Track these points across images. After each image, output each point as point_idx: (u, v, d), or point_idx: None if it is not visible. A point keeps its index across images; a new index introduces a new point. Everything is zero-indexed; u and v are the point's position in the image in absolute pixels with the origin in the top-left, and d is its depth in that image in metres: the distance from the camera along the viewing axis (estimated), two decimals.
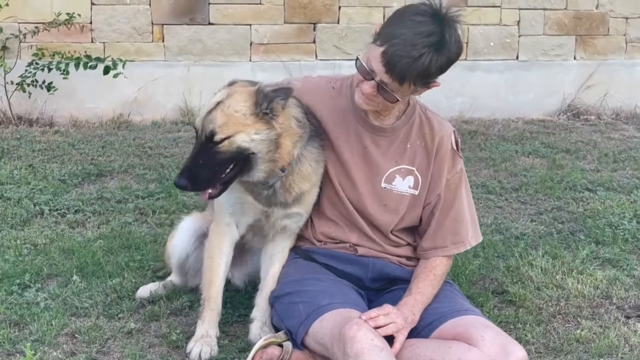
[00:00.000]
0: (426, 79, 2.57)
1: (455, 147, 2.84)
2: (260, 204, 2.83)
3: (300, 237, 2.97)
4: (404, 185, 2.81)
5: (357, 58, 2.61)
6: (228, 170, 2.67)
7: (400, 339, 2.53)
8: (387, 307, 2.58)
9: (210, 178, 2.66)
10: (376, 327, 2.47)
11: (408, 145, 2.80)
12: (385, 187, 2.81)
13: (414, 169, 2.81)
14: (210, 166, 2.64)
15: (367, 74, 2.58)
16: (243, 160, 2.66)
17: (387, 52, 2.50)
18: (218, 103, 2.66)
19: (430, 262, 2.83)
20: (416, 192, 2.83)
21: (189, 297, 3.22)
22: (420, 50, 2.47)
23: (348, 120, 2.81)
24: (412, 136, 2.80)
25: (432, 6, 2.55)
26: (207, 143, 2.64)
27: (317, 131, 2.80)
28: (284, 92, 2.67)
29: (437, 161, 2.81)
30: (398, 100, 2.61)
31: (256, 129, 2.64)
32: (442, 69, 2.57)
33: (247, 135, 2.63)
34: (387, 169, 2.80)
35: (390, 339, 2.52)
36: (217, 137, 2.62)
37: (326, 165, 2.82)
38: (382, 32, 2.56)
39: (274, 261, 2.94)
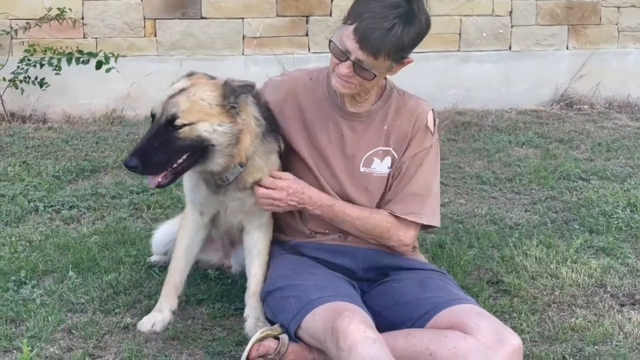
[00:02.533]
0: (400, 52, 2.59)
1: (430, 125, 2.84)
2: (214, 194, 2.86)
3: (290, 231, 2.99)
4: (382, 166, 2.84)
5: (330, 40, 2.64)
6: (181, 159, 2.63)
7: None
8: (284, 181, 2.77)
9: (162, 163, 2.61)
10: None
11: (385, 127, 2.83)
12: (364, 171, 2.84)
13: (390, 148, 2.83)
14: (165, 151, 2.59)
15: (341, 55, 2.61)
16: (200, 150, 2.64)
17: (358, 28, 2.54)
18: (182, 89, 2.64)
19: (378, 209, 2.84)
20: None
21: (185, 291, 3.22)
22: (391, 21, 2.52)
23: (325, 109, 2.84)
24: (389, 118, 2.84)
25: None
26: (165, 127, 2.59)
27: (271, 126, 2.82)
28: (249, 88, 2.68)
29: (409, 137, 2.83)
30: (375, 76, 2.62)
31: (220, 121, 2.63)
32: (414, 42, 2.60)
33: (210, 125, 2.61)
34: (364, 153, 2.83)
35: (383, 330, 2.54)
36: (179, 122, 2.58)
37: (304, 158, 2.85)
38: (351, 11, 2.60)
39: (252, 259, 2.97)
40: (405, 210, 2.82)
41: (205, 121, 2.61)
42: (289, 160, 2.91)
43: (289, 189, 2.78)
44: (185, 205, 3.07)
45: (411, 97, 2.90)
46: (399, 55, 2.61)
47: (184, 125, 2.59)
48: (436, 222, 2.90)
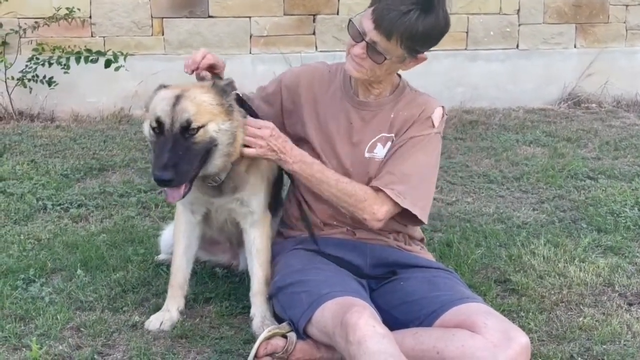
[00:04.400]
0: (413, 39, 2.63)
1: (434, 118, 2.83)
2: (200, 193, 2.87)
3: (299, 225, 3.00)
4: (383, 152, 2.86)
5: (350, 20, 2.71)
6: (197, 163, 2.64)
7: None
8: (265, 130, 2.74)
9: (189, 170, 2.60)
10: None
11: (392, 116, 2.87)
12: (368, 157, 2.87)
13: (393, 134, 2.86)
14: (189, 158, 2.59)
15: (357, 36, 2.69)
16: (205, 153, 2.65)
17: (376, 9, 2.64)
18: (178, 96, 2.63)
19: (370, 187, 2.80)
20: None
21: (193, 290, 3.23)
22: (408, 6, 2.60)
23: (338, 99, 2.91)
24: (397, 108, 2.87)
25: None
26: (182, 134, 2.60)
27: (247, 111, 2.83)
28: (232, 86, 2.73)
29: (409, 124, 2.84)
30: (385, 59, 2.66)
31: (222, 119, 2.66)
32: (429, 34, 2.65)
33: (216, 125, 2.64)
34: (369, 139, 2.87)
35: (391, 328, 2.54)
36: (194, 125, 2.60)
37: (314, 145, 2.89)
38: None
39: (252, 258, 2.99)
40: (386, 184, 2.75)
41: (212, 121, 2.64)
42: (299, 146, 2.91)
43: (273, 130, 2.75)
44: (176, 206, 3.09)
45: (423, 94, 2.94)
46: (412, 43, 2.65)
47: (199, 128, 2.61)
48: (420, 213, 2.76)
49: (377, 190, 2.77)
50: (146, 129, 2.74)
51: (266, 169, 2.96)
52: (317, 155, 2.89)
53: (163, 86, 2.78)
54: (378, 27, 2.62)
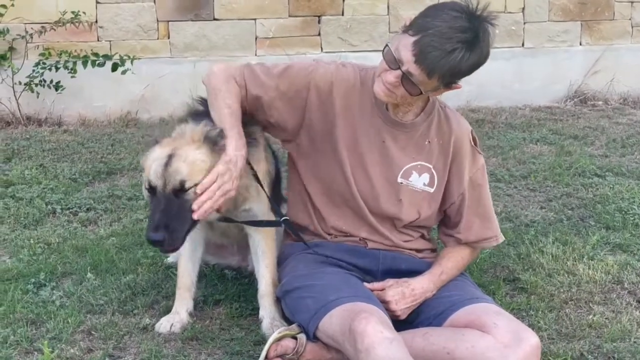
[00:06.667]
0: (454, 77, 2.56)
1: (474, 144, 2.86)
2: None
3: (308, 233, 2.97)
4: (419, 181, 2.83)
5: (387, 45, 2.59)
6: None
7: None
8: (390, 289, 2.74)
9: (182, 230, 2.64)
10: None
11: (426, 142, 2.81)
12: (401, 182, 2.81)
13: (431, 166, 2.82)
14: (182, 216, 2.63)
15: (393, 63, 2.55)
16: None
17: (419, 42, 2.48)
18: (170, 156, 2.66)
19: (461, 247, 2.94)
20: (431, 190, 2.84)
21: (202, 292, 3.25)
22: (454, 44, 2.46)
23: (369, 113, 2.79)
24: (431, 133, 2.81)
25: (468, 5, 2.53)
26: (175, 194, 2.63)
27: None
28: (223, 133, 2.69)
29: (456, 161, 2.83)
30: (421, 93, 2.59)
31: None
32: (470, 70, 2.56)
33: None
34: (404, 165, 2.80)
35: (402, 328, 2.54)
36: (188, 184, 2.63)
37: (341, 157, 2.81)
38: (416, 22, 2.54)
39: (258, 260, 3.01)
40: (480, 237, 2.93)
41: (205, 177, 2.66)
42: (319, 157, 2.85)
43: (393, 297, 2.74)
44: None
45: (452, 114, 2.87)
46: (451, 80, 2.58)
47: (191, 187, 2.64)
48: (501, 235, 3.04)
49: (473, 244, 2.96)
50: (144, 187, 2.77)
51: (264, 176, 2.94)
52: (340, 169, 2.80)
53: (156, 141, 2.79)
54: (419, 63, 2.48)
